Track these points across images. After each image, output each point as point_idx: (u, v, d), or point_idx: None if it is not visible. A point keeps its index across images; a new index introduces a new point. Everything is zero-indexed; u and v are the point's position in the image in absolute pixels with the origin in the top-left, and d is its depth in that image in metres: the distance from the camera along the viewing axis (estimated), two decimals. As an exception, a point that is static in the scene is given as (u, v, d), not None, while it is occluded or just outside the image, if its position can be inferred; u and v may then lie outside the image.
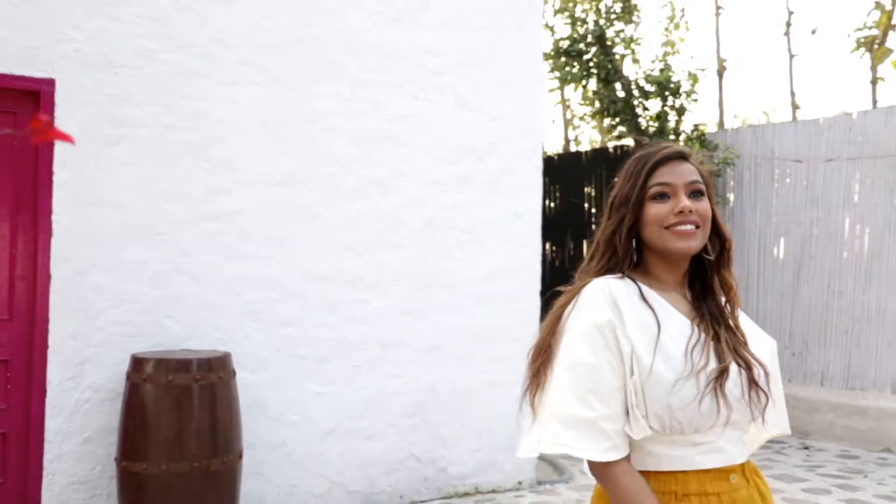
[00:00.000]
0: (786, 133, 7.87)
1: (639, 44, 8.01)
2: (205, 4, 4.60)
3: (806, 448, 6.78)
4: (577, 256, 9.48)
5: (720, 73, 13.07)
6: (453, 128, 5.33)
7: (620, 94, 7.89)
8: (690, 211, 1.71)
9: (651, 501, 1.62)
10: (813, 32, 14.54)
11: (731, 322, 1.76)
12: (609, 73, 7.80)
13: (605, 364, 1.65)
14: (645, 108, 7.86)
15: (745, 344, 1.75)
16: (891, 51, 14.09)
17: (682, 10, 9.36)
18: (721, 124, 10.26)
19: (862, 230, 7.27)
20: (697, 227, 1.73)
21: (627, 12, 7.96)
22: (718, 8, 15.55)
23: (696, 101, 7.87)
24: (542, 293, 5.68)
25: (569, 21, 7.91)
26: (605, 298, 1.70)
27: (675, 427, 1.65)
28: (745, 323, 1.82)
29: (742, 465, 1.72)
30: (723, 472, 1.68)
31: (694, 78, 7.79)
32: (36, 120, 0.88)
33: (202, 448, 3.99)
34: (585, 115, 11.78)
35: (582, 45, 7.74)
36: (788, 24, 15.50)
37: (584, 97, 8.23)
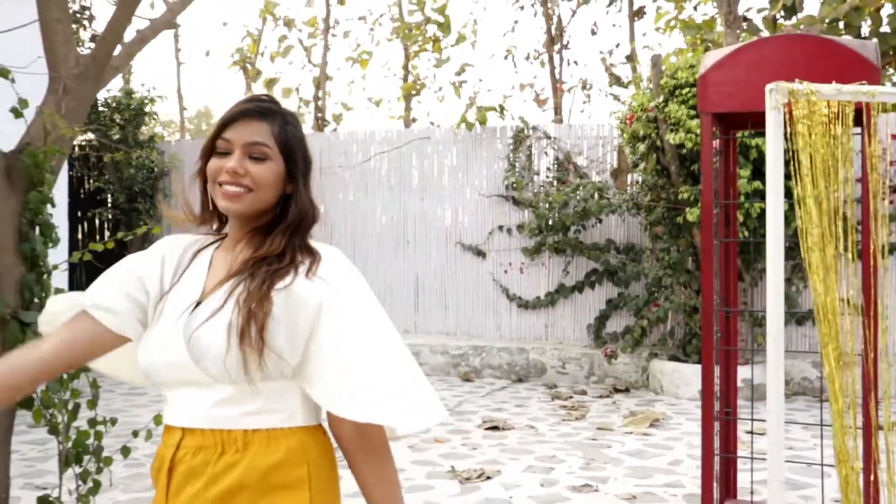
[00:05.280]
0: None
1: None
2: None
3: None
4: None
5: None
6: None
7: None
8: (238, 173, 1.61)
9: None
10: (207, 54, 17.84)
11: (241, 286, 1.59)
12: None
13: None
14: (112, 120, 10.15)
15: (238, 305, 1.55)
16: (260, 71, 18.07)
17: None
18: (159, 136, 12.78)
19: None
20: (251, 190, 1.62)
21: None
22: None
23: (154, 118, 10.45)
24: None
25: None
26: (153, 250, 1.74)
27: (147, 378, 1.65)
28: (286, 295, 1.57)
29: (216, 431, 1.57)
30: (176, 430, 1.61)
31: (152, 101, 10.33)
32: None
33: None
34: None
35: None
36: (177, 37, 18.59)
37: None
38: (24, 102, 2.86)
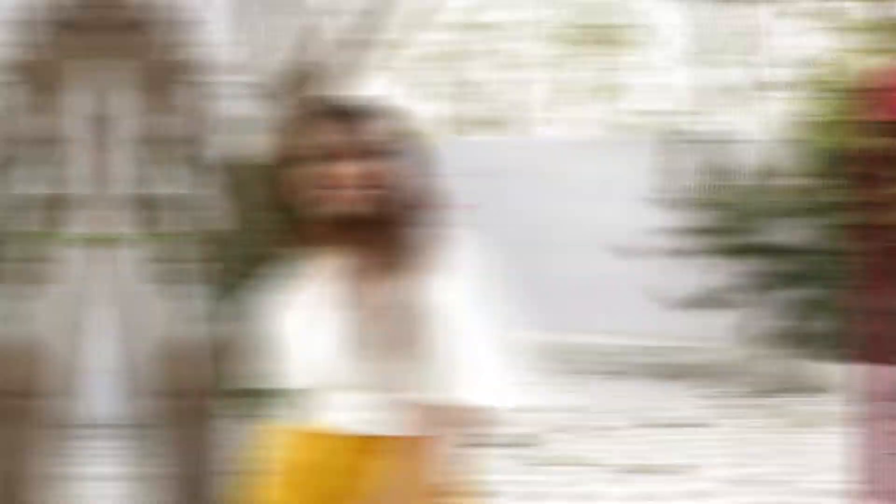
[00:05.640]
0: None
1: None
2: None
3: None
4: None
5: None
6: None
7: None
8: (349, 176, 1.56)
9: None
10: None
11: (376, 284, 1.57)
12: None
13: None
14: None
15: (383, 310, 1.56)
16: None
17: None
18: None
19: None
20: (371, 189, 1.57)
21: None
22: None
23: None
24: None
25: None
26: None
27: (310, 381, 1.65)
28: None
29: (367, 437, 1.58)
30: (319, 433, 1.62)
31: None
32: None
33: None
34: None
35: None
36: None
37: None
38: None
